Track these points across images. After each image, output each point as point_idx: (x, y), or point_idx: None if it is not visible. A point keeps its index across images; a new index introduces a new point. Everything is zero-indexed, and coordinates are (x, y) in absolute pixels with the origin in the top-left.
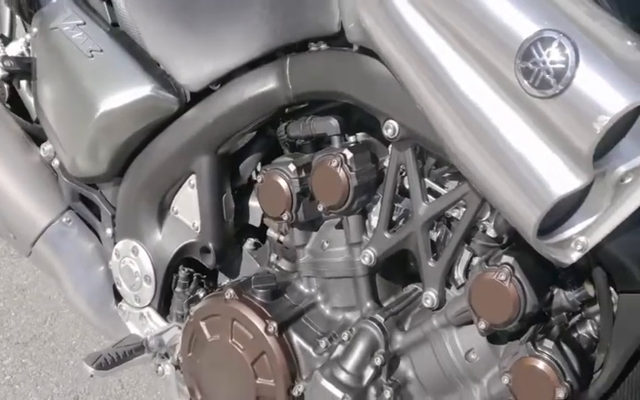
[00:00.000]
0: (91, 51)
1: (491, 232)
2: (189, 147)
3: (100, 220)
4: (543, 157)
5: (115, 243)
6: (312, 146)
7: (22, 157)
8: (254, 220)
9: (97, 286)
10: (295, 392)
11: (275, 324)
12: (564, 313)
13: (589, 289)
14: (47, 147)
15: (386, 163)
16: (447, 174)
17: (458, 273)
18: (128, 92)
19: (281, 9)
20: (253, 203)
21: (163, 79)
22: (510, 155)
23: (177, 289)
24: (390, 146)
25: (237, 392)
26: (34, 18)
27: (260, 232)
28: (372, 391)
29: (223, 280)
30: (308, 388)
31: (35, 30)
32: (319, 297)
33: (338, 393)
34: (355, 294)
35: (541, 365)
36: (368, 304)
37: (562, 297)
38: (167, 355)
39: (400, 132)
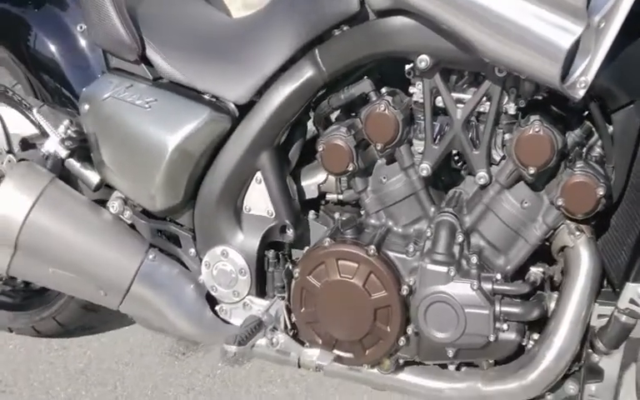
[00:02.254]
0: (147, 103)
1: (512, 111)
2: (252, 149)
3: (180, 246)
4: (551, 23)
5: (201, 259)
6: (344, 115)
7: (97, 219)
8: (310, 194)
9: (192, 302)
10: (404, 292)
11: (373, 247)
12: (577, 148)
13: (589, 124)
14: (114, 203)
15: (417, 98)
16: (465, 85)
17: (497, 151)
18: (189, 124)
19: (301, 16)
20: (305, 182)
21: (214, 104)
22: (528, 33)
23: (270, 269)
24: (420, 79)
25: (356, 317)
26: (81, 99)
27: (315, 207)
28: (464, 261)
29: (299, 254)
30: (417, 279)
31: (86, 107)
32: (390, 223)
33: (444, 268)
34: (419, 207)
35: (581, 178)
36: (432, 209)
37: (573, 136)
38: (275, 328)
39: (431, 62)
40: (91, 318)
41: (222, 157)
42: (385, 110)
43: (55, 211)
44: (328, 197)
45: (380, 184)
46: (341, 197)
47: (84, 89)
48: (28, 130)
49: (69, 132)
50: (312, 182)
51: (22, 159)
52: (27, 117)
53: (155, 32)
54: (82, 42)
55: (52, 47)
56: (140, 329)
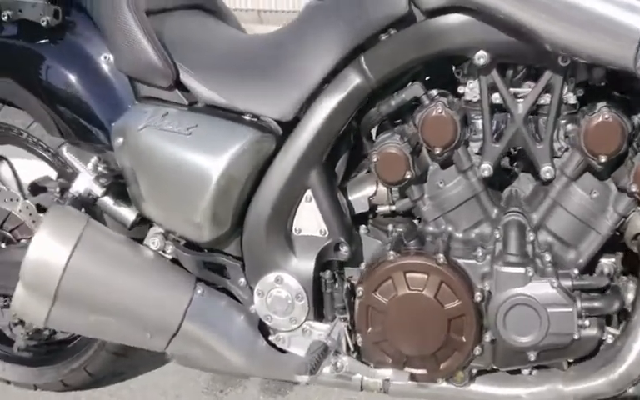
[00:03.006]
0: (187, 129)
1: (572, 100)
2: (301, 166)
3: (227, 276)
4: (623, 5)
5: (251, 288)
6: (389, 123)
7: (140, 258)
8: (360, 208)
9: (245, 335)
10: (477, 299)
11: (442, 255)
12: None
13: None
14: (155, 239)
15: (469, 97)
16: (521, 79)
17: (559, 143)
18: (234, 146)
19: (345, 24)
20: (354, 196)
21: (256, 124)
22: (600, 18)
23: (328, 290)
24: (470, 78)
25: (429, 330)
26: (114, 132)
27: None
28: (538, 260)
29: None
30: (492, 284)
31: (121, 140)
32: (450, 229)
33: (521, 269)
34: (480, 209)
35: None
36: (496, 210)
37: (637, 119)
38: (337, 351)
39: (489, 58)
40: (120, 364)
41: (269, 178)
42: (442, 112)
43: (96, 254)
44: (379, 209)
45: (437, 190)
46: (393, 207)
47: (116, 122)
48: (40, 173)
49: (100, 168)
50: (362, 195)
51: (39, 204)
52: (45, 160)
53: (186, 55)
54: (107, 73)
55: (74, 80)
56: (170, 371)
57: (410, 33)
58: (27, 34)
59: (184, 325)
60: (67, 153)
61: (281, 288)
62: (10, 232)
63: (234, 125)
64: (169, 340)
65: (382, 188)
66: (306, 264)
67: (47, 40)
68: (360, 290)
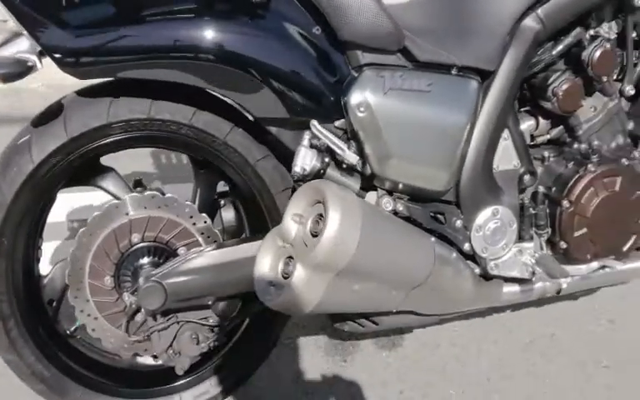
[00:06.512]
0: (428, 85)
1: None
2: (504, 110)
3: (440, 222)
4: None
5: (466, 228)
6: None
7: (391, 219)
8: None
9: (466, 271)
10: None
11: (625, 160)
12: None
13: None
14: (385, 199)
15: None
16: None
17: None
18: (471, 99)
19: None
20: None
21: (470, 77)
22: None
23: (528, 213)
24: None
25: (624, 222)
26: (352, 100)
27: None
28: None
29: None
30: None
31: (362, 106)
32: (597, 143)
33: None
34: (620, 124)
35: None
36: (631, 122)
37: None
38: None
39: None
40: None
41: (480, 124)
42: (610, 48)
43: (374, 222)
44: (539, 139)
45: (591, 114)
46: (548, 137)
47: (351, 90)
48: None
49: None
50: (524, 129)
51: None
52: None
53: (400, 18)
54: (320, 46)
55: (289, 55)
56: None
57: None
58: (233, 11)
59: (432, 273)
60: (317, 128)
61: (497, 219)
62: (165, 244)
63: (459, 79)
64: (407, 294)
65: (543, 122)
66: (512, 194)
67: (254, 16)
68: (565, 203)
